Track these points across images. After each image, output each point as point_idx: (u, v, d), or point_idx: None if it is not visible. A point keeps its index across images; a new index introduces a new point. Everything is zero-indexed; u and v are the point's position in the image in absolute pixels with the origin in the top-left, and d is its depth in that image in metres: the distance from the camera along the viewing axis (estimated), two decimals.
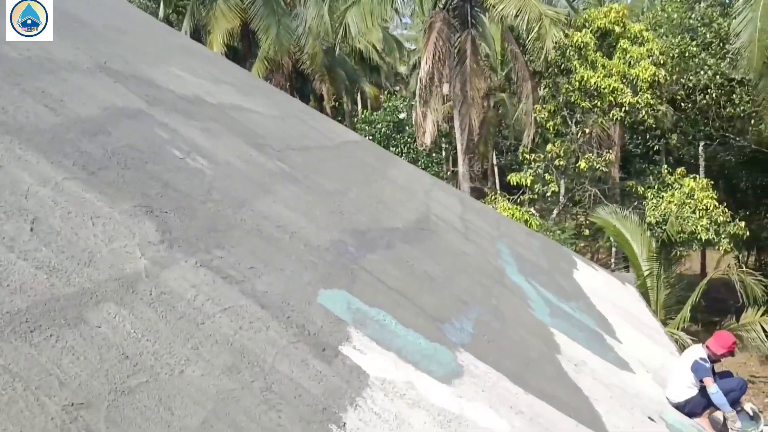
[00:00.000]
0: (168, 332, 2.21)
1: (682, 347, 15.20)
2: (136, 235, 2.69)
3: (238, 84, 7.50)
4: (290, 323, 2.78)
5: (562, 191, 21.48)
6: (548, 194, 20.54)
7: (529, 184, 20.15)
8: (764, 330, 15.77)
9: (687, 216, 16.32)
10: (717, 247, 17.58)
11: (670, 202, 16.91)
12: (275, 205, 4.12)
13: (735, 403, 5.46)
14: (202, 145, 4.39)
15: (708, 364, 5.46)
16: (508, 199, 20.95)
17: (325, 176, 5.59)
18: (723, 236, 16.59)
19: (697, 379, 5.45)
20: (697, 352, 5.65)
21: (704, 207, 16.37)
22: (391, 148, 24.19)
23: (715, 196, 17.01)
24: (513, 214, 18.37)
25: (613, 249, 21.51)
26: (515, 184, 20.72)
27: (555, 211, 21.75)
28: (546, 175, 20.22)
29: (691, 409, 5.44)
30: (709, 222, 16.24)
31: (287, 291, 3.06)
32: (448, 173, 28.59)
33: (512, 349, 4.29)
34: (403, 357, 3.16)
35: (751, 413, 5.51)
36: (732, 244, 17.30)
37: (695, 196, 16.53)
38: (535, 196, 20.97)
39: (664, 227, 17.01)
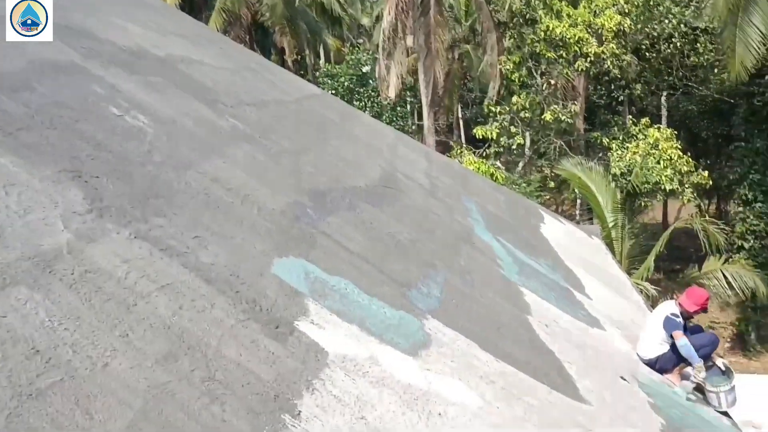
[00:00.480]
0: (91, 318, 1.92)
1: (647, 297, 15.37)
2: (58, 205, 2.37)
3: (190, 36, 7.04)
4: (239, 299, 2.50)
5: (528, 144, 21.37)
6: (514, 147, 20.40)
7: (494, 137, 19.95)
8: (725, 277, 16.03)
9: (651, 166, 16.33)
10: (681, 197, 17.70)
11: (634, 152, 16.88)
12: (226, 167, 3.80)
13: (706, 359, 5.38)
14: (144, 101, 4.01)
15: (679, 320, 5.36)
16: (474, 153, 20.75)
17: (282, 134, 5.26)
18: (687, 186, 16.67)
19: (667, 334, 5.35)
20: (669, 308, 5.53)
21: (668, 157, 16.38)
22: (355, 103, 23.71)
23: (679, 147, 17.02)
24: (479, 168, 18.20)
25: (578, 201, 21.57)
26: (481, 137, 20.50)
27: (520, 164, 21.68)
28: (511, 127, 20.03)
29: (662, 365, 5.35)
30: (673, 172, 16.27)
31: (237, 262, 2.78)
32: (413, 127, 28.24)
33: (482, 313, 4.09)
34: (366, 329, 2.92)
35: (723, 368, 5.44)
36: (695, 194, 17.40)
37: (659, 147, 16.52)
38: (501, 149, 20.83)
39: (628, 178, 17.03)
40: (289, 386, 2.18)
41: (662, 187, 16.24)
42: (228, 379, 2.03)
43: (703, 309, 5.53)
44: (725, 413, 5.22)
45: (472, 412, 2.77)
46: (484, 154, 20.97)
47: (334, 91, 23.43)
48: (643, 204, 17.90)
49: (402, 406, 2.49)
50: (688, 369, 5.48)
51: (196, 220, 2.93)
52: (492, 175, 18.36)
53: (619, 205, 16.49)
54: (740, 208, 21.11)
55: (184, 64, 5.46)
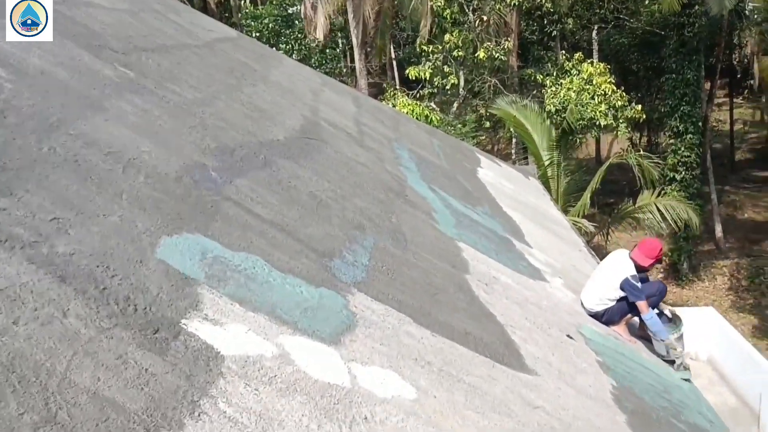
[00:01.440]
0: None
1: (585, 234, 15.40)
2: None
3: None
4: (105, 299, 1.98)
5: (462, 83, 20.92)
6: (448, 87, 19.93)
7: (428, 78, 19.41)
8: (659, 210, 16.20)
9: (586, 102, 16.16)
10: (615, 132, 17.68)
11: (568, 89, 16.66)
12: (107, 125, 3.19)
13: (654, 308, 5.15)
14: (5, 49, 3.33)
15: (639, 284, 5.05)
16: (408, 95, 20.19)
17: (185, 83, 4.63)
18: (621, 121, 16.60)
19: (630, 299, 5.01)
20: (625, 266, 5.13)
21: (603, 92, 16.23)
22: (281, 46, 22.66)
23: (613, 81, 16.87)
24: (413, 110, 17.69)
25: (514, 140, 21.40)
26: (414, 78, 19.93)
27: (455, 105, 21.27)
28: (445, 67, 19.50)
29: (608, 317, 5.10)
30: (607, 107, 16.15)
31: (108, 249, 2.24)
32: (345, 70, 27.34)
33: (416, 279, 3.67)
34: (277, 318, 2.45)
35: (670, 316, 5.24)
36: (629, 128, 17.38)
37: (593, 82, 16.33)
38: (435, 90, 20.34)
39: (563, 115, 16.83)
40: (165, 414, 1.70)
41: (597, 123, 16.13)
42: (76, 418, 1.53)
43: (658, 260, 5.23)
44: (672, 362, 5.03)
45: (405, 408, 2.35)
46: (418, 96, 20.44)
47: (258, 34, 22.28)
48: (578, 141, 17.82)
49: (318, 416, 2.05)
50: (635, 319, 5.25)
51: (58, 198, 2.36)
52: (427, 117, 17.90)
53: (555, 143, 16.34)
54: (671, 140, 21.39)
55: (66, 6, 4.71)
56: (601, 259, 6.26)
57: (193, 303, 2.24)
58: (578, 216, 15.75)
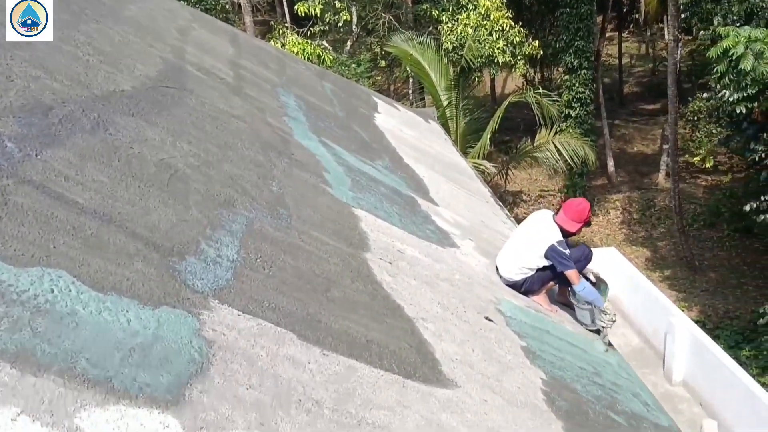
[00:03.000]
0: None
1: (486, 177, 15.05)
2: None
3: None
4: None
5: (355, 20, 19.83)
6: (340, 24, 18.80)
7: (318, 14, 18.17)
8: (557, 148, 16.07)
9: (484, 39, 15.56)
10: (513, 69, 17.27)
11: (466, 24, 15.98)
12: None
13: (579, 272, 4.63)
14: None
15: (567, 251, 4.45)
16: (298, 33, 18.91)
17: None
18: (519, 57, 16.16)
19: (558, 269, 4.42)
20: (550, 232, 4.51)
21: (500, 28, 15.66)
22: None
23: (510, 16, 16.33)
24: (304, 50, 16.53)
25: (411, 79, 20.66)
26: (304, 14, 18.64)
27: (349, 43, 20.20)
28: (336, 2, 18.31)
29: (528, 287, 4.52)
30: (505, 43, 15.63)
31: None
32: (228, 6, 25.46)
33: (303, 271, 2.88)
34: (79, 376, 1.61)
35: (595, 280, 4.74)
36: (529, 66, 17.00)
37: (491, 17, 15.72)
38: (327, 27, 19.16)
39: (461, 52, 16.20)
40: None
41: (495, 60, 15.60)
42: None
43: (586, 224, 4.64)
44: (597, 331, 4.56)
45: None
46: (309, 34, 19.21)
47: None
48: (476, 79, 17.30)
49: None
50: (556, 287, 4.72)
51: None
52: (319, 56, 16.80)
53: (453, 82, 15.76)
54: (566, 76, 21.32)
55: None
56: (508, 208, 5.66)
57: None
58: (478, 157, 15.38)
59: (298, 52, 16.19)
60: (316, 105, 6.51)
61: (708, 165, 22.52)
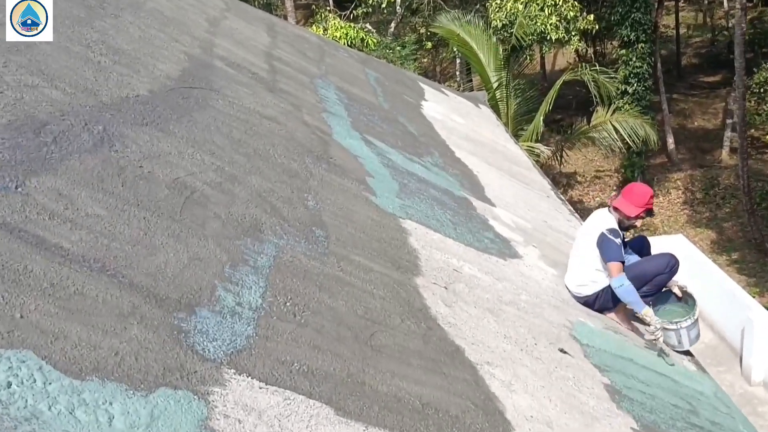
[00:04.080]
0: None
1: (538, 159, 14.29)
2: None
3: None
4: None
5: (399, 0, 19.17)
6: (383, 5, 18.18)
7: None
8: (615, 128, 15.19)
9: (535, 15, 14.75)
10: (567, 45, 16.39)
11: (515, 0, 15.18)
12: None
13: (661, 288, 4.04)
14: None
15: (618, 240, 3.87)
16: (341, 16, 18.39)
17: None
18: (573, 33, 15.28)
19: (602, 257, 3.90)
20: (603, 220, 4.01)
21: (553, 3, 14.82)
22: None
23: None
24: (347, 34, 16.02)
25: (458, 60, 19.91)
26: None
27: (393, 25, 19.58)
28: None
29: (602, 304, 3.95)
30: (558, 19, 14.79)
31: None
32: None
33: (342, 314, 2.39)
34: None
35: (681, 295, 4.13)
36: (582, 41, 16.09)
37: None
38: (370, 9, 18.57)
39: (510, 30, 15.42)
40: None
41: (548, 37, 14.79)
42: None
43: (648, 211, 4.06)
44: (688, 352, 3.96)
45: None
46: (351, 17, 18.66)
47: None
48: (528, 57, 16.50)
49: None
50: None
51: None
52: (363, 40, 16.28)
53: (502, 62, 15.01)
54: (622, 51, 20.23)
55: None
56: (561, 190, 5.07)
57: None
58: (531, 140, 14.66)
59: (341, 36, 15.70)
60: (358, 96, 6.01)
61: None
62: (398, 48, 17.64)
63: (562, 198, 6.50)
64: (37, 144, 2.32)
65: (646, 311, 3.77)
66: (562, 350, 3.06)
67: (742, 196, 18.02)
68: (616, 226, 3.95)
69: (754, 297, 8.49)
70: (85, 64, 3.24)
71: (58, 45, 3.29)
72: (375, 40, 16.65)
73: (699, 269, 9.35)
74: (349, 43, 15.54)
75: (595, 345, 3.41)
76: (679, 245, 9.83)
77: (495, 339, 2.83)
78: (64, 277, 1.78)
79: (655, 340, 3.71)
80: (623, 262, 3.86)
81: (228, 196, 2.77)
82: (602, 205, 17.38)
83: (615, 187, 21.62)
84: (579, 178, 22.69)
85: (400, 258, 3.11)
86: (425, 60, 22.17)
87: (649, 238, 4.59)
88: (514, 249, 4.19)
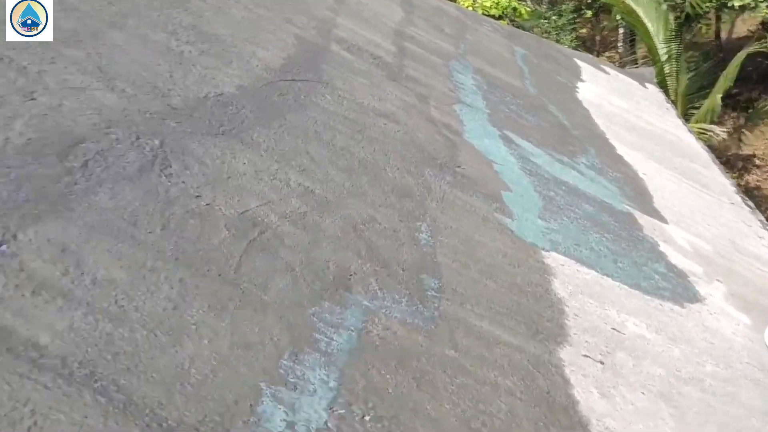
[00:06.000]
0: None
1: (714, 150, 12.57)
2: None
3: None
4: None
5: None
6: None
7: None
8: None
9: None
10: (753, 12, 14.26)
11: None
12: None
13: None
14: None
15: None
16: None
17: None
18: None
19: None
20: None
21: None
22: None
23: None
24: (498, 3, 14.89)
25: (620, 30, 18.07)
26: None
27: None
28: None
29: None
30: None
31: None
32: None
33: (445, 429, 1.66)
34: None
35: None
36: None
37: None
38: None
39: None
40: None
41: (731, 4, 12.87)
42: None
43: None
44: None
45: None
46: None
47: None
48: (703, 27, 14.57)
49: None
50: None
51: None
52: (515, 9, 15.11)
53: (673, 32, 13.28)
54: None
55: None
56: (736, 174, 3.94)
57: None
58: (706, 121, 12.91)
59: (491, 6, 14.63)
60: (500, 81, 5.15)
61: None
62: (554, 17, 16.26)
63: (751, 205, 5.28)
64: (57, 173, 1.78)
65: None
66: None
67: None
68: None
69: None
70: (163, 56, 2.70)
71: (135, 32, 2.78)
72: (528, 9, 15.42)
73: None
74: (501, 14, 14.45)
75: None
76: None
77: None
78: (21, 401, 1.20)
79: None
80: None
81: (310, 234, 2.11)
82: None
83: None
84: (757, 161, 20.08)
85: (540, 317, 2.32)
86: (584, 30, 20.43)
87: None
88: (693, 288, 3.22)
